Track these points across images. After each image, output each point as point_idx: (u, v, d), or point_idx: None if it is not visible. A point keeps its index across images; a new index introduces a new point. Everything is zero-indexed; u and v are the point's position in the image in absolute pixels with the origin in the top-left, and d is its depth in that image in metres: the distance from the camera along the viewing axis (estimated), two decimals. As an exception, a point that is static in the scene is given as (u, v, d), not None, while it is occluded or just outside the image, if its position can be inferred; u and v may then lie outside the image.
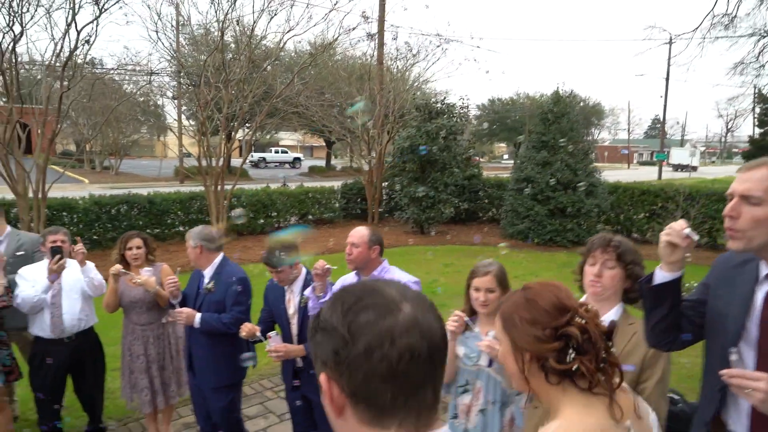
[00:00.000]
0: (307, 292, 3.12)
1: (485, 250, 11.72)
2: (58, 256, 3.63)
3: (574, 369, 1.18)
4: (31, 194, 9.65)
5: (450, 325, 2.51)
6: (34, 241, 4.23)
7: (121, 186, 22.53)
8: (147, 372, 3.89)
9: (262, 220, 13.56)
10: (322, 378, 0.81)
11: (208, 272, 3.58)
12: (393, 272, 3.21)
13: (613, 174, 14.35)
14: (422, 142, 13.42)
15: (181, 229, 12.24)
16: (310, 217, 14.51)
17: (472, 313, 2.63)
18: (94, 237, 10.80)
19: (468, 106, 16.09)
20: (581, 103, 51.92)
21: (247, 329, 3.17)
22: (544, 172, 12.80)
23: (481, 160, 20.11)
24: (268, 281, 3.53)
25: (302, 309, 3.29)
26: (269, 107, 12.77)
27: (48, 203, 9.96)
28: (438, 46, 16.89)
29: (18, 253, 4.19)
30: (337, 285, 3.24)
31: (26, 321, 3.84)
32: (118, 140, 32.54)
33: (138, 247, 3.84)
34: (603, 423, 1.15)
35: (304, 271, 3.40)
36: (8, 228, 4.37)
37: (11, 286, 3.72)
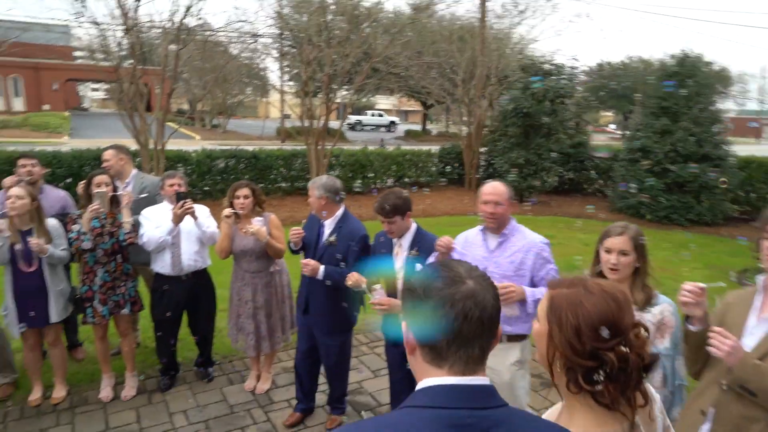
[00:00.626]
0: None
1: (589, 224, 11.05)
2: (182, 201, 3.79)
3: (597, 389, 1.13)
4: (151, 146, 10.43)
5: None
6: (155, 185, 4.47)
7: (228, 143, 23.81)
8: (253, 317, 4.03)
9: (359, 181, 13.70)
10: (403, 324, 1.07)
11: (329, 223, 3.57)
12: (523, 231, 3.02)
13: (739, 149, 12.79)
14: (527, 106, 12.71)
15: (283, 185, 12.71)
16: (406, 179, 14.42)
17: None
18: (205, 188, 11.49)
19: (578, 68, 14.95)
20: (705, 69, 46.75)
21: (353, 278, 3.14)
22: (663, 142, 11.68)
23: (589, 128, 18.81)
24: (376, 235, 3.47)
25: (409, 264, 3.20)
26: (369, 67, 12.70)
27: (165, 154, 10.72)
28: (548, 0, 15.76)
29: (141, 195, 4.45)
30: (461, 240, 3.15)
31: (149, 257, 4.10)
32: (226, 100, 34.25)
33: (246, 197, 3.92)
34: None
35: (414, 226, 3.28)
36: (134, 170, 4.66)
37: (136, 225, 3.96)
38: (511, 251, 2.96)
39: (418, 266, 3.13)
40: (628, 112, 38.79)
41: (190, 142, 23.45)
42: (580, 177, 14.92)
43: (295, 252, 3.75)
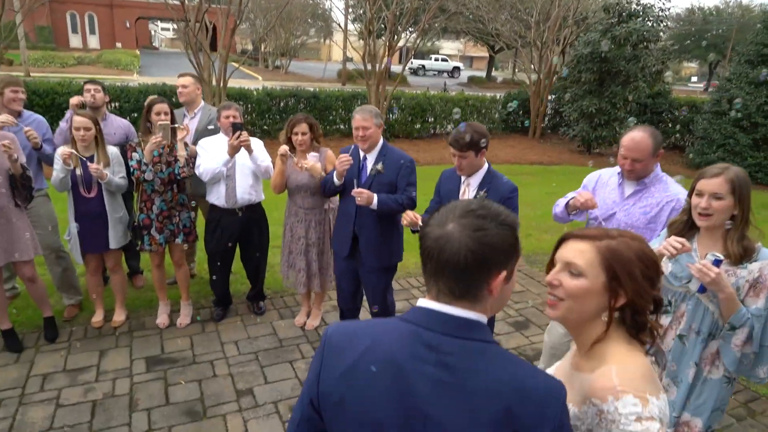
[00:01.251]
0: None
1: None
2: (238, 132, 3.70)
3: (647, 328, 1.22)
4: (214, 83, 10.48)
5: (665, 248, 2.01)
6: (223, 117, 4.40)
7: (290, 84, 23.80)
8: (305, 254, 3.97)
9: (418, 125, 13.35)
10: None
11: (371, 156, 3.44)
12: (666, 182, 2.68)
13: None
14: (605, 50, 11.72)
15: (341, 126, 12.55)
16: (467, 126, 13.90)
17: (690, 226, 2.10)
18: (264, 127, 11.53)
19: (669, 9, 13.56)
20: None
21: (409, 217, 2.97)
22: (758, 93, 10.57)
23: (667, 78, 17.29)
24: (443, 172, 3.28)
25: None
26: (437, 6, 12.05)
27: (227, 91, 10.76)
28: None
29: (209, 127, 4.42)
30: (594, 177, 2.92)
31: (205, 189, 4.09)
32: (289, 41, 34.07)
33: (303, 133, 3.77)
34: (648, 364, 1.18)
35: (486, 165, 3.04)
36: (202, 102, 4.62)
37: (192, 157, 3.93)
38: (646, 202, 2.66)
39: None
40: (715, 63, 35.57)
41: (253, 82, 23.61)
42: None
43: (333, 191, 3.57)
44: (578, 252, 1.22)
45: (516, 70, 35.71)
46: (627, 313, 1.21)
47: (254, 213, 4.10)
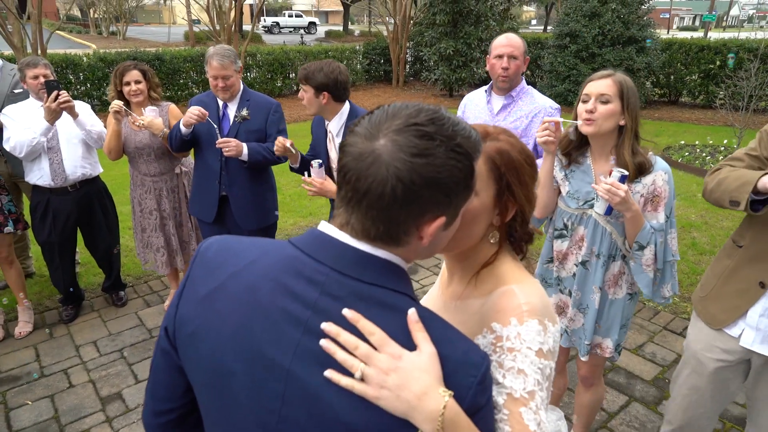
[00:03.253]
0: None
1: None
2: (55, 93, 3.01)
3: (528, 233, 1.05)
4: (29, 50, 8.93)
5: (539, 136, 1.87)
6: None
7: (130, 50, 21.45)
8: (161, 230, 3.44)
9: (279, 82, 12.65)
10: None
11: (233, 102, 3.00)
12: (532, 94, 2.66)
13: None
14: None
15: (195, 90, 11.47)
16: (330, 79, 13.50)
17: (581, 141, 1.96)
18: (103, 97, 10.13)
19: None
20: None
21: (279, 144, 2.65)
22: (592, 26, 11.40)
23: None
24: (315, 117, 2.92)
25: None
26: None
27: (49, 58, 9.22)
28: None
29: (15, 91, 3.59)
30: (465, 101, 2.86)
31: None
32: (122, 4, 30.49)
33: (137, 82, 3.19)
34: (538, 282, 1.01)
35: (347, 107, 2.69)
36: (0, 61, 3.71)
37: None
38: (516, 116, 2.63)
39: None
40: (550, 5, 38.28)
41: (87, 52, 20.73)
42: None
43: (183, 146, 3.04)
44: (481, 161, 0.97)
45: (372, 22, 35.50)
46: (515, 225, 1.01)
47: (92, 188, 3.45)
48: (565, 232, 2.04)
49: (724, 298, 1.79)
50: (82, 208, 3.42)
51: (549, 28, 20.68)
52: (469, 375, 0.74)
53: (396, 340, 0.73)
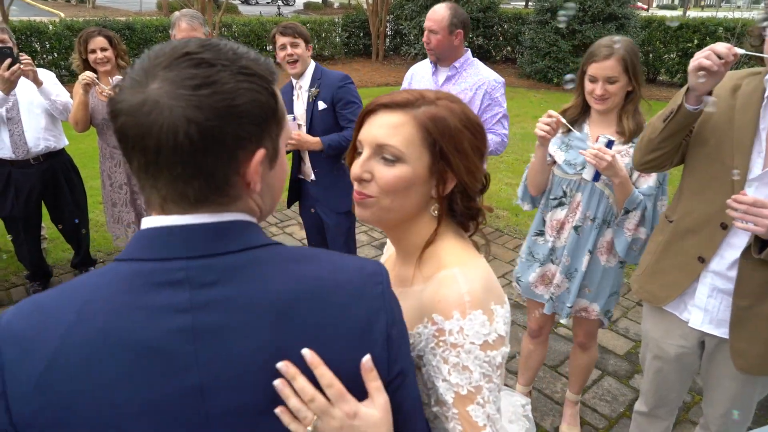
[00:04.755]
0: None
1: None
2: (9, 60, 2.86)
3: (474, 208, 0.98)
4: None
5: (539, 129, 1.87)
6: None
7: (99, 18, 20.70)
8: (133, 204, 3.33)
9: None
10: None
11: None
12: (477, 66, 2.69)
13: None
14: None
15: (168, 61, 11.11)
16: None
17: (584, 109, 1.98)
18: (71, 67, 9.75)
19: None
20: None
21: None
22: (572, 1, 11.32)
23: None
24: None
25: (311, 106, 2.71)
26: None
27: (12, 26, 8.81)
28: None
29: None
30: (410, 72, 2.94)
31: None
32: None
33: (103, 49, 3.05)
34: (485, 261, 0.95)
35: (313, 66, 2.74)
36: None
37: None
38: (460, 87, 2.65)
39: (322, 105, 2.68)
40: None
41: (53, 21, 19.93)
42: (488, 44, 14.42)
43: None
44: (391, 128, 0.89)
45: (351, -7, 34.77)
46: (456, 199, 0.94)
47: (57, 161, 3.32)
48: (564, 199, 2.04)
49: (661, 274, 1.75)
50: (47, 182, 3.29)
51: (530, 4, 20.53)
52: (376, 284, 0.72)
53: (287, 291, 0.66)
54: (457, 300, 0.84)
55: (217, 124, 0.61)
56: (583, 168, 1.91)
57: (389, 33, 14.71)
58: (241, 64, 0.64)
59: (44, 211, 3.47)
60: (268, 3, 39.22)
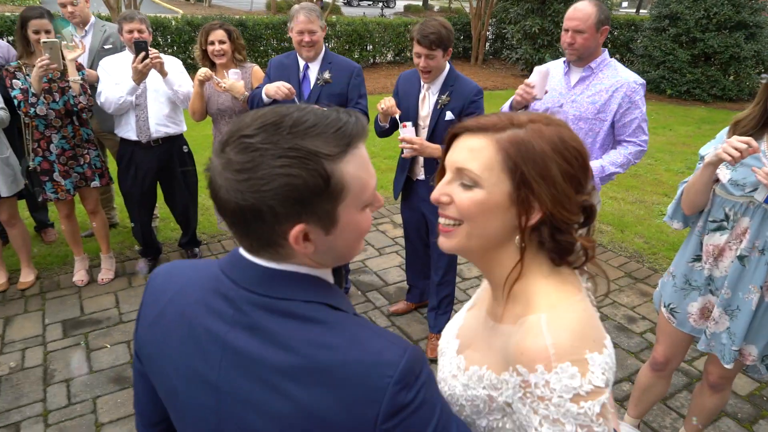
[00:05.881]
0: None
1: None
2: (143, 54, 3.08)
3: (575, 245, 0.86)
4: (123, 8, 9.31)
5: (724, 153, 1.59)
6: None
7: (215, 15, 22.07)
8: (239, 191, 3.46)
9: (356, 54, 12.58)
10: None
11: (314, 63, 2.94)
12: (615, 67, 2.49)
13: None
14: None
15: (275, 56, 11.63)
16: (408, 53, 13.27)
17: (763, 122, 1.71)
18: (189, 60, 10.45)
19: None
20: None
21: (387, 102, 2.58)
22: (696, 7, 10.47)
23: None
24: (401, 74, 2.89)
25: (438, 112, 2.63)
26: None
27: (141, 21, 9.60)
28: None
29: (106, 47, 3.73)
30: (543, 69, 2.50)
31: (112, 124, 3.47)
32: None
33: (222, 42, 3.19)
34: (583, 301, 0.84)
35: (448, 67, 2.65)
36: (93, 18, 3.86)
37: (87, 83, 3.29)
38: (594, 90, 2.47)
39: (449, 114, 2.59)
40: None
41: (175, 17, 21.53)
42: (596, 51, 13.71)
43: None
44: (471, 152, 0.84)
45: (453, -4, 34.59)
46: (544, 232, 0.85)
47: (174, 146, 3.52)
48: (725, 223, 1.79)
49: None
50: (163, 165, 3.51)
51: (642, 11, 19.31)
52: (383, 376, 0.68)
53: (299, 350, 0.70)
54: (540, 353, 0.77)
55: (254, 203, 0.69)
56: (754, 190, 1.67)
57: (490, 37, 14.44)
58: (290, 145, 0.68)
59: (159, 192, 3.71)
60: (369, 5, 40.10)
